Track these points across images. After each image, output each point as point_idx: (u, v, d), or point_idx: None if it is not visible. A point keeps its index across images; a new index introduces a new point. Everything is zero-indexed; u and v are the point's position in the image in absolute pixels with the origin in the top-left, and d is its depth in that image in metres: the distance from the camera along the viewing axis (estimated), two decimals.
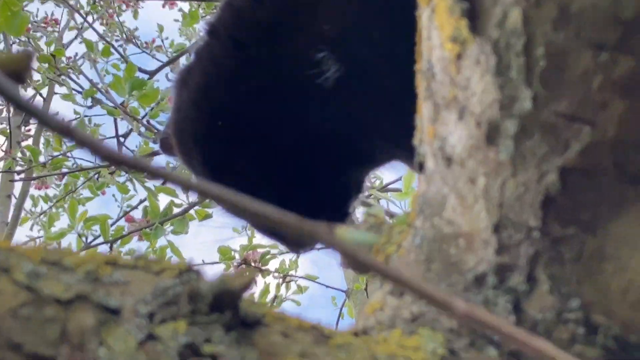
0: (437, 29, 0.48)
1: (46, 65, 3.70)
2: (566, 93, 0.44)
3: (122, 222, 3.77)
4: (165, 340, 0.38)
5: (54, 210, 4.57)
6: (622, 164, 0.45)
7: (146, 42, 5.22)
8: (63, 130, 0.31)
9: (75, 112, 4.33)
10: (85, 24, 5.02)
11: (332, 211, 0.96)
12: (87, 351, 0.36)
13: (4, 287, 0.37)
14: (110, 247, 3.31)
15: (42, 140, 5.05)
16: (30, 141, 5.19)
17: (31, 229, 4.93)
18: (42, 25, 5.26)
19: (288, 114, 0.88)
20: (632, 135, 0.44)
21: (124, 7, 5.09)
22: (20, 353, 0.34)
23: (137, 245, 3.48)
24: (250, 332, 0.41)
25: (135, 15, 5.21)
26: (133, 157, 0.31)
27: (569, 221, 0.46)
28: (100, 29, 5.19)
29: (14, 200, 5.15)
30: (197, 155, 0.96)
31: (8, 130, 4.83)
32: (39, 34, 5.13)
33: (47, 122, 0.31)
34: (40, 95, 5.02)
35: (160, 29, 5.20)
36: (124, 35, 5.17)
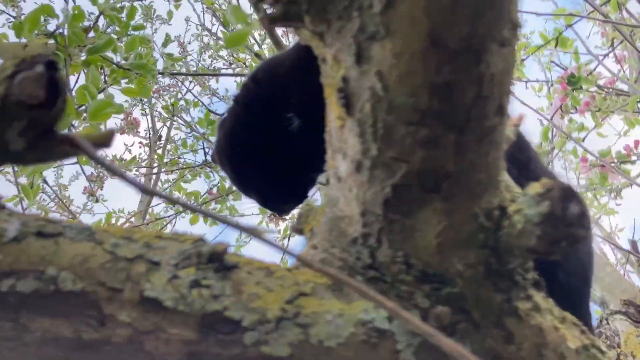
0: (332, 111, 0.51)
1: None
2: (394, 146, 0.47)
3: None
4: (182, 278, 0.42)
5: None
6: (423, 182, 0.47)
7: None
8: (123, 177, 0.34)
9: None
10: None
11: (297, 195, 1.04)
12: (140, 284, 0.39)
13: (97, 252, 0.41)
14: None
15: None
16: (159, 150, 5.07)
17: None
18: None
19: (273, 145, 0.94)
20: (428, 167, 0.47)
21: None
22: (104, 287, 0.38)
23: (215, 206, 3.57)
24: (229, 272, 0.45)
25: None
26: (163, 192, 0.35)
27: (397, 211, 0.49)
28: None
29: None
30: (227, 167, 1.03)
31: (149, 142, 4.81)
32: None
33: (116, 171, 0.35)
34: None
35: None
36: None
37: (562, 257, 0.94)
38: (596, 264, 1.01)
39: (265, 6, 0.50)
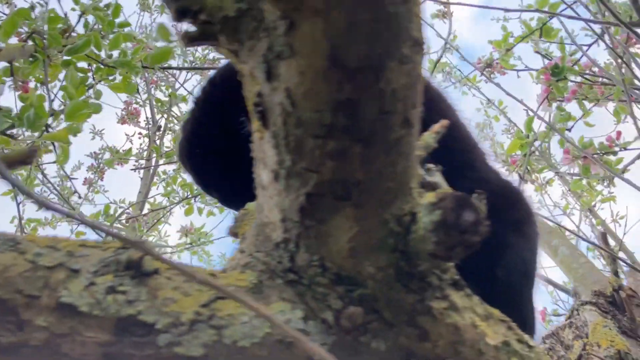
0: (254, 125, 0.53)
1: None
2: (305, 158, 0.50)
3: None
4: (99, 285, 0.45)
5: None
6: (335, 191, 0.50)
7: None
8: (43, 203, 0.38)
9: None
10: None
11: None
12: (57, 291, 0.42)
13: (19, 262, 0.44)
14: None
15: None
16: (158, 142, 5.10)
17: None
18: None
19: (231, 146, 0.97)
20: (338, 177, 0.50)
21: None
22: (21, 294, 0.41)
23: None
24: (147, 278, 0.48)
25: None
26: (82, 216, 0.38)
27: (312, 218, 0.52)
28: None
29: None
30: (189, 167, 1.06)
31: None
32: None
33: (32, 197, 0.38)
34: None
35: None
36: None
37: (499, 254, 0.98)
38: (538, 259, 1.03)
39: (183, 25, 0.53)
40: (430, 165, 0.75)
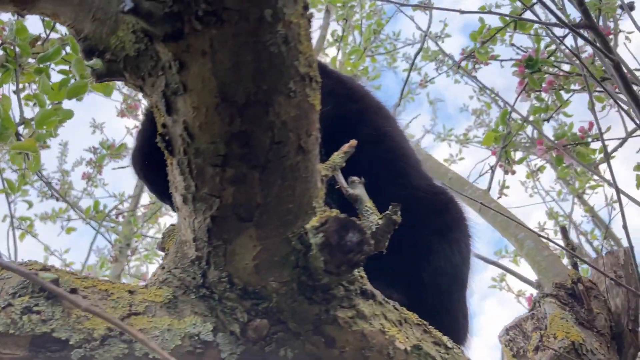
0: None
1: None
2: (207, 184, 0.54)
3: None
4: (15, 306, 0.50)
5: None
6: (237, 213, 0.55)
7: None
8: None
9: None
10: None
11: None
12: None
13: None
14: None
15: None
16: None
17: None
18: None
19: None
20: (239, 201, 0.54)
21: None
22: None
23: None
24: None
25: None
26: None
27: (219, 238, 0.57)
28: None
29: None
30: (141, 175, 1.09)
31: None
32: None
33: None
34: None
35: None
36: None
37: (426, 260, 1.02)
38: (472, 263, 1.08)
39: (92, 62, 0.57)
40: (354, 178, 0.80)
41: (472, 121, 5.40)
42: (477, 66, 3.25)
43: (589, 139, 2.09)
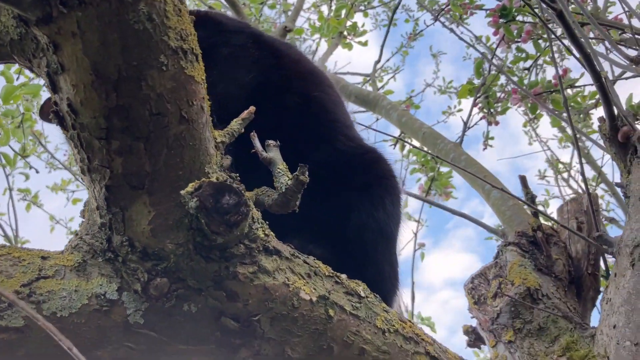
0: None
1: None
2: (97, 156, 0.59)
3: None
4: None
5: None
6: (129, 182, 0.60)
7: None
8: None
9: None
10: None
11: None
12: None
13: None
14: None
15: None
16: None
17: None
18: None
19: None
20: (129, 170, 0.59)
21: None
22: None
23: None
24: None
25: None
26: None
27: (116, 206, 0.63)
28: None
29: None
30: None
31: None
32: None
33: None
34: None
35: None
36: None
37: (348, 216, 1.07)
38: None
39: None
40: (270, 142, 0.84)
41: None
42: (463, 17, 3.22)
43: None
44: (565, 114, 3.43)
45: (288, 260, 0.74)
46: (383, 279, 1.04)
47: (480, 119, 2.77)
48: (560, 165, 4.55)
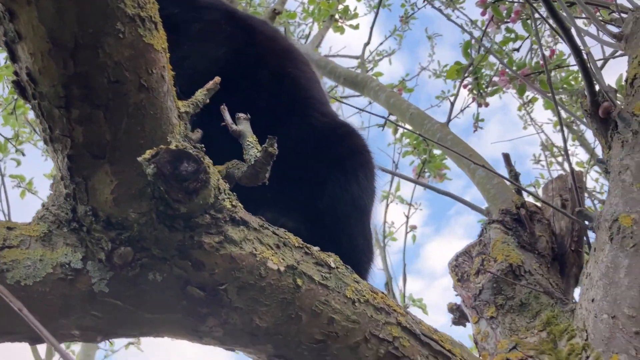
0: None
1: None
2: (57, 125, 0.60)
3: None
4: None
5: None
6: (91, 151, 0.60)
7: None
8: None
9: None
10: None
11: None
12: None
13: None
14: None
15: None
16: None
17: None
18: None
19: None
20: (90, 139, 0.59)
21: None
22: None
23: None
24: None
25: None
26: None
27: (79, 175, 0.63)
28: None
29: None
30: None
31: None
32: None
33: None
34: None
35: None
36: None
37: (321, 189, 1.08)
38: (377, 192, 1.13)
39: None
40: (240, 115, 0.84)
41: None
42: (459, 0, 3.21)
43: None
44: (556, 96, 3.44)
45: (256, 231, 0.74)
46: (357, 251, 1.05)
47: (472, 101, 2.78)
48: (555, 150, 4.56)
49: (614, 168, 1.30)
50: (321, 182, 1.03)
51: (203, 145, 0.71)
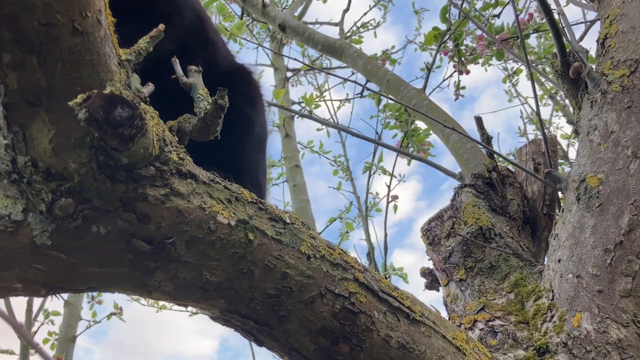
0: None
1: None
2: None
3: None
4: None
5: None
6: (26, 98, 0.58)
7: None
8: None
9: None
10: None
11: None
12: None
13: None
14: None
15: None
16: None
17: None
18: None
19: None
20: (24, 86, 0.58)
21: None
22: None
23: None
24: None
25: None
26: None
27: (16, 124, 0.62)
28: None
29: None
30: None
31: None
32: None
33: None
34: None
35: None
36: None
37: (238, 125, 1.15)
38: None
39: None
40: (192, 67, 0.82)
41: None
42: None
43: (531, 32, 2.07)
44: (539, 66, 3.41)
45: (205, 184, 0.73)
46: (260, 189, 1.16)
47: (455, 71, 2.76)
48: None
49: (583, 129, 1.29)
50: (238, 118, 1.14)
51: (146, 94, 0.69)
